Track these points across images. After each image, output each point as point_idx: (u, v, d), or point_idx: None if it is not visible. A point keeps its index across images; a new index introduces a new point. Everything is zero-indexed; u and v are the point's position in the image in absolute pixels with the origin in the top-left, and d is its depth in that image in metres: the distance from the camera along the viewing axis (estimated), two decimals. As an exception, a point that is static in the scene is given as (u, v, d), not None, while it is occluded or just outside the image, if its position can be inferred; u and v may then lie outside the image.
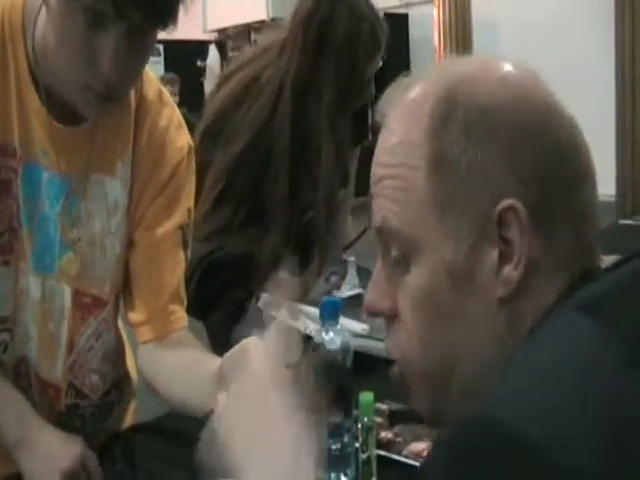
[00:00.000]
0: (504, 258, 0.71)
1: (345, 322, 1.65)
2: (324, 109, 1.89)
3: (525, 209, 0.70)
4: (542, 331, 0.69)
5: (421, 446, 1.30)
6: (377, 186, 0.78)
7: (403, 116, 0.77)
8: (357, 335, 1.56)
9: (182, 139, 1.39)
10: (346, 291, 1.97)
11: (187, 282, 1.90)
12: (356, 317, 1.68)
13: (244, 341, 1.11)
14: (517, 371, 0.66)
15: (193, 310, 1.95)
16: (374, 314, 0.81)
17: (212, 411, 1.08)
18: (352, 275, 2.04)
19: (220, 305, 1.95)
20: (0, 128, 1.24)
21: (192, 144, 1.42)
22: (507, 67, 0.78)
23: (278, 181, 1.91)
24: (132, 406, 1.55)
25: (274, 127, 1.90)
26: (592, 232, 0.75)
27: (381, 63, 1.98)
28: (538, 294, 0.72)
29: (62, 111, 1.26)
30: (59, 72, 1.19)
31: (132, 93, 1.32)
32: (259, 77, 1.95)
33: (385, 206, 0.77)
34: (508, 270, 0.71)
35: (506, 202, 0.70)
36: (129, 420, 1.54)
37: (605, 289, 0.71)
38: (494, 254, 0.71)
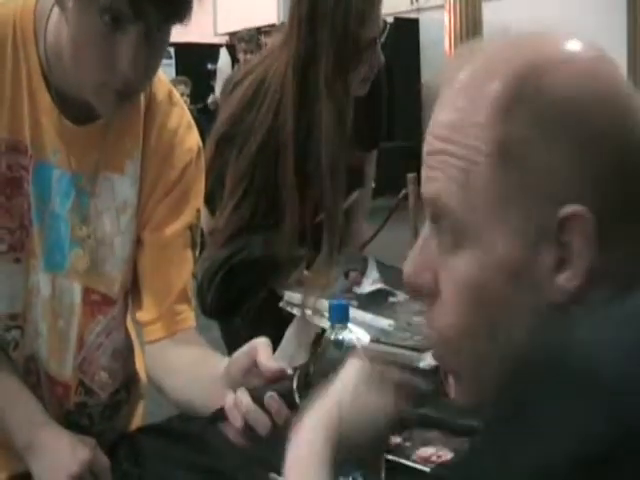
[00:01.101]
0: (562, 264, 0.67)
1: (369, 318, 1.65)
2: (322, 75, 1.86)
3: (592, 217, 0.66)
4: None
5: (430, 451, 1.29)
6: (433, 157, 0.73)
7: (467, 91, 0.72)
8: (378, 336, 1.54)
9: (191, 139, 1.39)
10: (367, 286, 1.96)
11: (209, 286, 1.92)
12: (380, 312, 1.67)
13: (253, 341, 1.12)
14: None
15: (215, 313, 1.98)
16: (413, 286, 0.76)
17: (219, 410, 1.08)
18: (372, 270, 2.02)
19: (241, 307, 1.96)
20: (12, 126, 1.25)
21: (201, 145, 1.42)
22: (591, 53, 0.72)
23: (286, 172, 1.91)
24: (140, 407, 1.55)
25: (282, 116, 1.90)
26: None
27: (383, 29, 1.95)
28: (594, 307, 0.67)
29: (73, 110, 1.27)
30: (74, 72, 1.19)
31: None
32: (266, 77, 1.96)
33: (441, 181, 0.72)
34: (564, 279, 0.67)
35: (573, 208, 0.66)
36: (137, 421, 1.54)
37: None
38: (551, 258, 0.67)
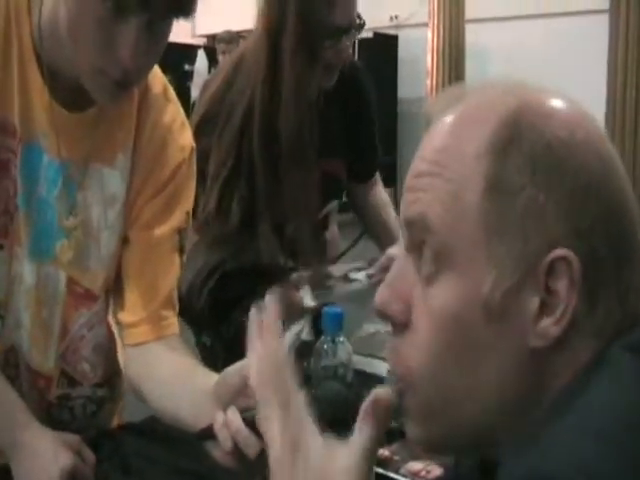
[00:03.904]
0: (545, 309, 0.66)
1: None
2: (286, 46, 1.85)
3: (579, 262, 0.65)
4: (593, 376, 0.65)
5: (419, 466, 1.27)
6: (419, 179, 0.72)
7: (462, 122, 0.72)
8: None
9: (185, 138, 1.36)
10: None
11: (200, 290, 1.88)
12: None
13: (246, 360, 1.07)
14: (566, 422, 0.62)
15: (206, 319, 1.92)
16: (383, 315, 0.73)
17: (207, 428, 1.04)
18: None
19: (232, 315, 1.92)
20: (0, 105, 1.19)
21: (194, 145, 1.38)
22: (578, 108, 0.72)
23: (254, 147, 1.89)
24: (121, 404, 1.51)
25: (258, 89, 1.89)
26: (638, 304, 0.69)
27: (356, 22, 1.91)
28: (574, 356, 0.67)
29: (65, 95, 1.23)
30: (71, 55, 1.14)
31: None
32: (243, 56, 1.96)
33: (427, 202, 0.70)
34: (547, 323, 0.66)
35: (561, 251, 0.65)
36: (117, 418, 1.50)
37: None
38: (535, 302, 0.66)
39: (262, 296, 1.96)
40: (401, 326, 0.72)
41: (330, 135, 1.99)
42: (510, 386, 0.68)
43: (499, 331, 0.67)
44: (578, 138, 0.68)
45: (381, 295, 0.73)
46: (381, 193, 2.29)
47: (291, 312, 1.91)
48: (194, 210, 1.86)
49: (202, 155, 1.84)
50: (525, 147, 0.68)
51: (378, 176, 2.30)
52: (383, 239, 2.17)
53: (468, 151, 0.69)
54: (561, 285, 0.65)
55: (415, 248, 0.72)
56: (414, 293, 0.71)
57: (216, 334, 1.99)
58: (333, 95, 1.99)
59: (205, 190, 1.89)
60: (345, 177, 2.15)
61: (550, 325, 0.66)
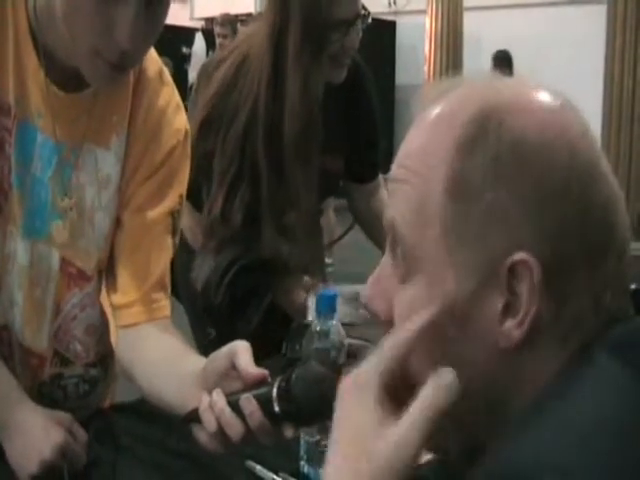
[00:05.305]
0: (509, 310, 0.66)
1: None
2: (290, 44, 1.82)
3: (540, 267, 0.64)
4: (573, 377, 0.65)
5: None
6: (393, 184, 0.73)
7: (431, 124, 0.72)
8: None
9: (179, 121, 1.36)
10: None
11: (217, 285, 1.88)
12: None
13: (233, 343, 1.07)
14: (545, 421, 0.62)
15: (223, 315, 1.92)
16: (371, 310, 0.76)
17: (193, 411, 1.04)
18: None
19: (247, 310, 1.92)
20: None
21: (189, 128, 1.38)
22: (556, 103, 0.70)
23: (258, 149, 1.87)
24: (113, 385, 1.52)
25: (262, 91, 1.86)
26: (616, 304, 0.68)
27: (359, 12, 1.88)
28: (542, 360, 0.67)
29: (60, 75, 1.23)
30: (67, 37, 1.14)
31: None
32: (247, 56, 1.93)
33: (396, 207, 0.72)
34: (511, 325, 0.66)
35: (520, 255, 0.64)
36: (109, 399, 1.51)
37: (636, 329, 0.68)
38: (499, 303, 0.66)
39: (274, 291, 1.96)
40: (387, 324, 0.73)
41: (330, 131, 1.97)
42: (479, 387, 0.68)
43: (466, 332, 0.67)
44: (548, 136, 0.67)
45: (367, 291, 0.76)
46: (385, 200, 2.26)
47: (295, 311, 1.92)
48: (200, 209, 1.86)
49: (206, 156, 1.84)
50: (490, 146, 0.67)
51: (382, 183, 2.26)
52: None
53: (434, 153, 0.70)
54: (523, 288, 0.65)
55: (392, 249, 0.73)
56: (393, 292, 0.73)
57: (229, 328, 1.98)
58: (335, 91, 1.96)
59: (210, 194, 1.89)
60: (343, 173, 2.15)
61: (513, 327, 0.66)
